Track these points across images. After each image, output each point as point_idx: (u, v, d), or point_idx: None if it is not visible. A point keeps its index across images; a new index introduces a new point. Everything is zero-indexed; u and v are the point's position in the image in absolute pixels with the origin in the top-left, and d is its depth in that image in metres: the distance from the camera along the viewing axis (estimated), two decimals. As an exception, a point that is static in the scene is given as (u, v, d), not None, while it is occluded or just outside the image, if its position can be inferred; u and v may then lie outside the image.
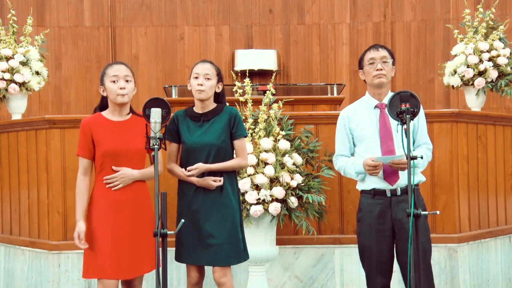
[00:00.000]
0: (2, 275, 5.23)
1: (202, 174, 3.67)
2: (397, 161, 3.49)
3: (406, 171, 3.49)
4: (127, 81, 3.59)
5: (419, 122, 3.68)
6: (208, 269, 3.82)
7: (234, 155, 3.80)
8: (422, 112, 3.69)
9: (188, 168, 3.65)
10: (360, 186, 3.72)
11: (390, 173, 3.56)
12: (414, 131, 3.67)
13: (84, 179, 3.58)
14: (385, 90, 3.70)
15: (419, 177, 3.66)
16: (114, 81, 3.57)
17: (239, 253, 3.72)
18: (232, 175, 3.77)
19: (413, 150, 3.64)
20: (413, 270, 3.19)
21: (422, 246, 3.51)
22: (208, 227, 3.66)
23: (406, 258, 3.42)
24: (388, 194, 3.58)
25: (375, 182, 3.61)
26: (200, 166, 3.64)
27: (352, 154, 3.77)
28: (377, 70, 3.65)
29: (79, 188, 3.57)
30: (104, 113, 3.65)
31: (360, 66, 3.76)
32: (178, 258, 3.75)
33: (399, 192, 3.57)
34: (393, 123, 3.56)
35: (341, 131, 3.77)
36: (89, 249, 3.54)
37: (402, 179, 3.57)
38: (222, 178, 3.68)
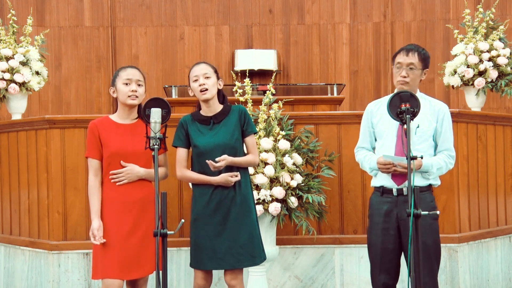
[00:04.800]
0: (2, 275, 5.23)
1: (219, 172, 3.65)
2: (403, 164, 3.46)
3: (415, 173, 3.50)
4: (139, 85, 3.65)
5: (443, 127, 3.63)
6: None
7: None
8: (448, 118, 3.65)
9: (217, 159, 3.59)
10: (372, 182, 3.73)
11: (398, 173, 3.55)
12: (436, 135, 3.63)
13: (96, 180, 3.62)
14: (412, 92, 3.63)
15: (430, 181, 3.63)
16: (126, 84, 3.62)
17: (260, 253, 3.72)
18: (247, 173, 3.77)
19: (434, 155, 3.62)
20: (413, 270, 3.19)
21: (427, 247, 3.51)
22: (229, 228, 3.63)
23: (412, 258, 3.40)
24: (395, 193, 3.57)
25: (384, 180, 3.61)
26: (227, 157, 3.61)
27: (374, 148, 3.76)
28: (401, 76, 3.61)
29: (92, 188, 3.61)
30: (112, 116, 3.69)
31: (392, 63, 3.73)
32: (197, 264, 3.65)
33: (405, 192, 3.54)
34: (413, 125, 3.53)
35: (364, 124, 3.77)
36: (97, 250, 3.56)
37: None
38: (238, 173, 3.66)
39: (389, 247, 3.58)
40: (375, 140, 3.74)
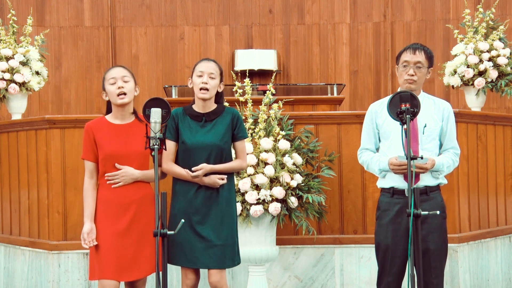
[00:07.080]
0: (2, 275, 5.23)
1: (206, 173, 3.63)
2: (419, 164, 3.42)
3: (427, 173, 3.50)
4: (125, 81, 3.61)
5: (448, 126, 3.63)
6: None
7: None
8: (452, 116, 3.66)
9: (193, 168, 3.58)
10: (380, 184, 3.68)
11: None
12: (442, 134, 3.63)
13: (91, 182, 3.61)
14: (417, 91, 3.62)
15: (440, 180, 3.62)
16: (112, 83, 3.60)
17: (234, 256, 3.69)
18: (231, 176, 3.74)
19: (439, 154, 3.62)
20: (412, 269, 3.19)
21: (438, 247, 3.54)
22: (208, 228, 3.62)
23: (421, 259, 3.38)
24: (407, 193, 3.51)
25: (394, 181, 3.57)
26: (205, 166, 3.58)
27: (377, 149, 3.72)
28: (409, 75, 3.58)
29: (86, 190, 3.60)
30: (107, 116, 3.68)
31: (397, 62, 3.69)
32: (173, 260, 3.64)
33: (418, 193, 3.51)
34: (420, 124, 3.53)
35: (367, 125, 3.72)
36: (93, 251, 3.56)
37: (422, 181, 3.53)
38: (226, 176, 3.64)
39: (399, 248, 3.53)
40: (379, 141, 3.71)
